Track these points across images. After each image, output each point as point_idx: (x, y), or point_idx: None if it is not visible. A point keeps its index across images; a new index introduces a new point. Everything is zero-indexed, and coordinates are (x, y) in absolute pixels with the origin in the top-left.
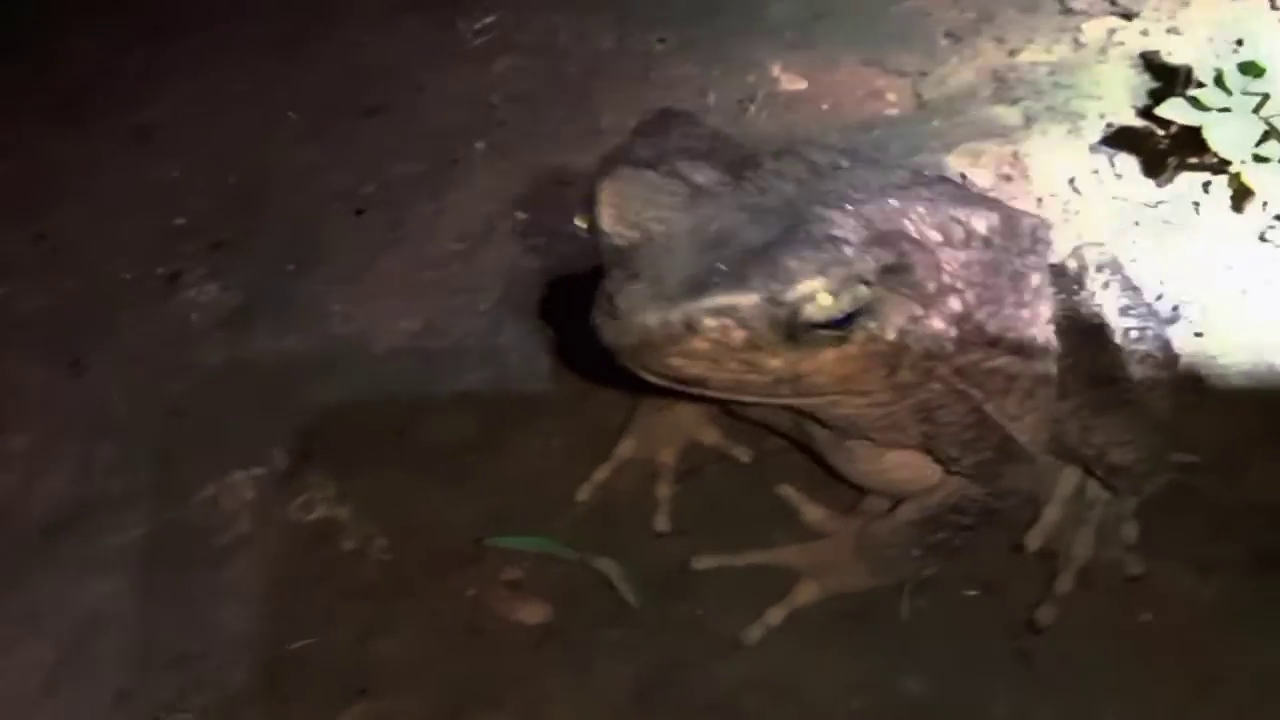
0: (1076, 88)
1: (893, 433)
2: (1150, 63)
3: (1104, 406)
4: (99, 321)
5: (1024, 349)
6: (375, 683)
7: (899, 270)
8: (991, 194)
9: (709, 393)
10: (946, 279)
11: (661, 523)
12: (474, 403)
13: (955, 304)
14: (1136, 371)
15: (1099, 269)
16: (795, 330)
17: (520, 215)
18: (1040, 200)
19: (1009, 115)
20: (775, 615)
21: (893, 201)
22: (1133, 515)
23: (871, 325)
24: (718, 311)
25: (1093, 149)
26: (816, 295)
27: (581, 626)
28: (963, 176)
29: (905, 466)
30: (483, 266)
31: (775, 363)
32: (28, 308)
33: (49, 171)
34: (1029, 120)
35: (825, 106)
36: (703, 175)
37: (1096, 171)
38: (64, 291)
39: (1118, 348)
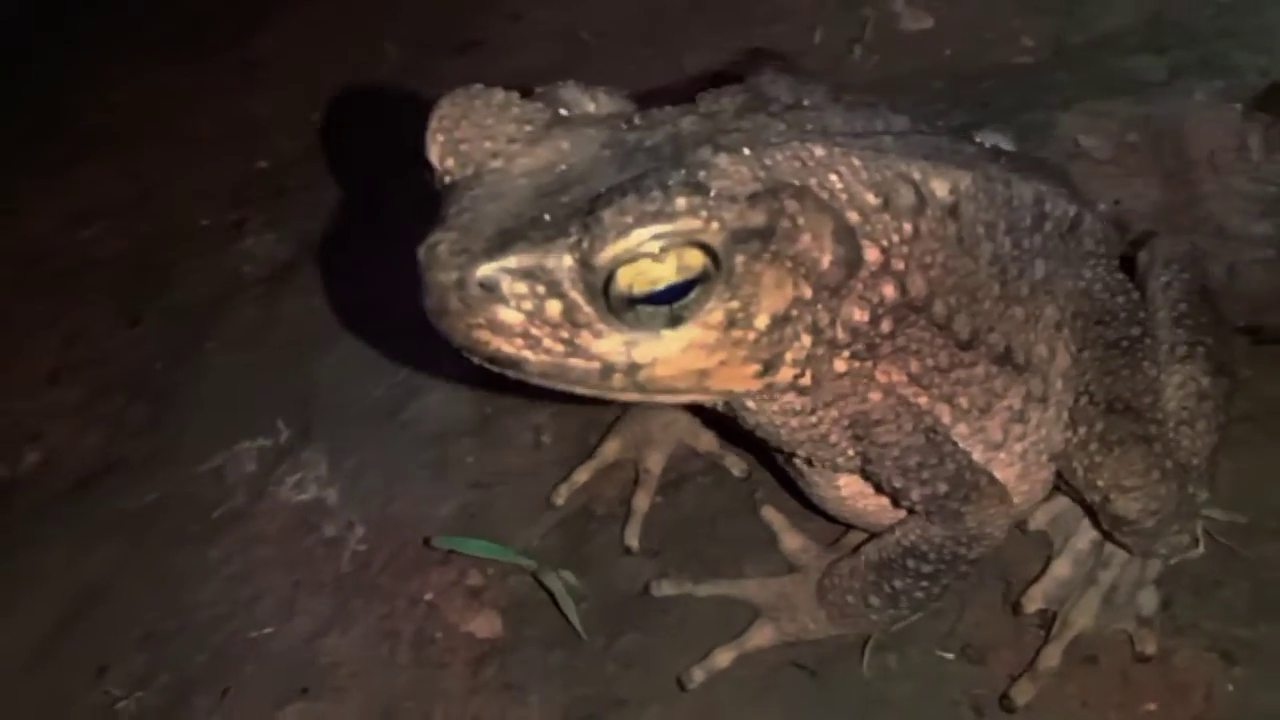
0: (1239, 35)
1: (822, 450)
2: None
3: (1116, 440)
4: (163, 271)
5: (1013, 358)
6: (317, 683)
7: (768, 236)
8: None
9: (530, 379)
10: (877, 255)
11: (631, 537)
12: (474, 384)
13: (889, 289)
14: (1171, 399)
15: (1168, 264)
16: (616, 304)
17: None
18: (1169, 176)
19: (1151, 67)
20: (722, 658)
21: (819, 150)
22: (1154, 581)
23: (720, 303)
24: (521, 272)
25: (1245, 115)
26: (632, 257)
27: (529, 645)
28: (1076, 143)
29: (865, 495)
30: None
31: (602, 346)
32: (107, 253)
33: (158, 104)
34: (1174, 74)
35: (948, 51)
36: (595, 102)
37: (1243, 145)
38: (142, 236)
39: (1153, 367)
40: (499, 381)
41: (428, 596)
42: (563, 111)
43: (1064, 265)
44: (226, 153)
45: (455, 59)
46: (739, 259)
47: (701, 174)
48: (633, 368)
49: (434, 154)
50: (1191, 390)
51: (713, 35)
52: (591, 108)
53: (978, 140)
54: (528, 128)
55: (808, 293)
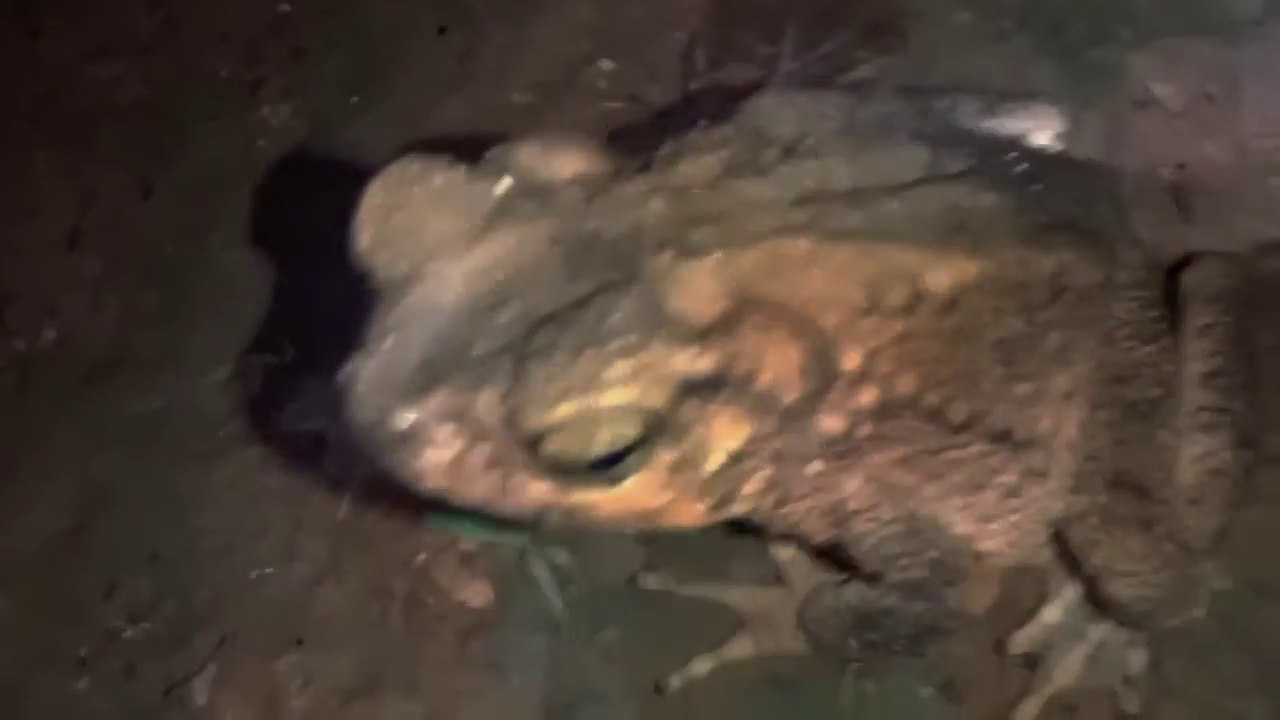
0: None
1: (795, 533)
2: None
3: (1117, 519)
4: (178, 132)
5: (1013, 436)
6: (312, 635)
7: (721, 383)
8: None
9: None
10: (858, 361)
11: None
12: None
13: (870, 395)
14: (1185, 472)
15: (1210, 301)
16: (547, 462)
17: (607, 64)
18: (1246, 139)
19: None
20: (700, 666)
21: (802, 244)
22: (1144, 642)
23: (666, 449)
24: (445, 415)
25: None
26: (560, 428)
27: (515, 624)
28: (1147, 90)
29: None
30: (548, 127)
31: (536, 489)
32: (125, 99)
33: None
34: (1270, 12)
35: None
36: (558, 162)
37: None
38: (161, 84)
39: (1170, 435)
40: None
41: (421, 558)
42: (508, 183)
43: (1084, 328)
44: None
45: None
46: (687, 406)
47: (658, 289)
48: (570, 509)
49: (362, 249)
50: (1209, 465)
51: None
52: (554, 170)
53: (1016, 154)
54: (465, 222)
55: (770, 426)
